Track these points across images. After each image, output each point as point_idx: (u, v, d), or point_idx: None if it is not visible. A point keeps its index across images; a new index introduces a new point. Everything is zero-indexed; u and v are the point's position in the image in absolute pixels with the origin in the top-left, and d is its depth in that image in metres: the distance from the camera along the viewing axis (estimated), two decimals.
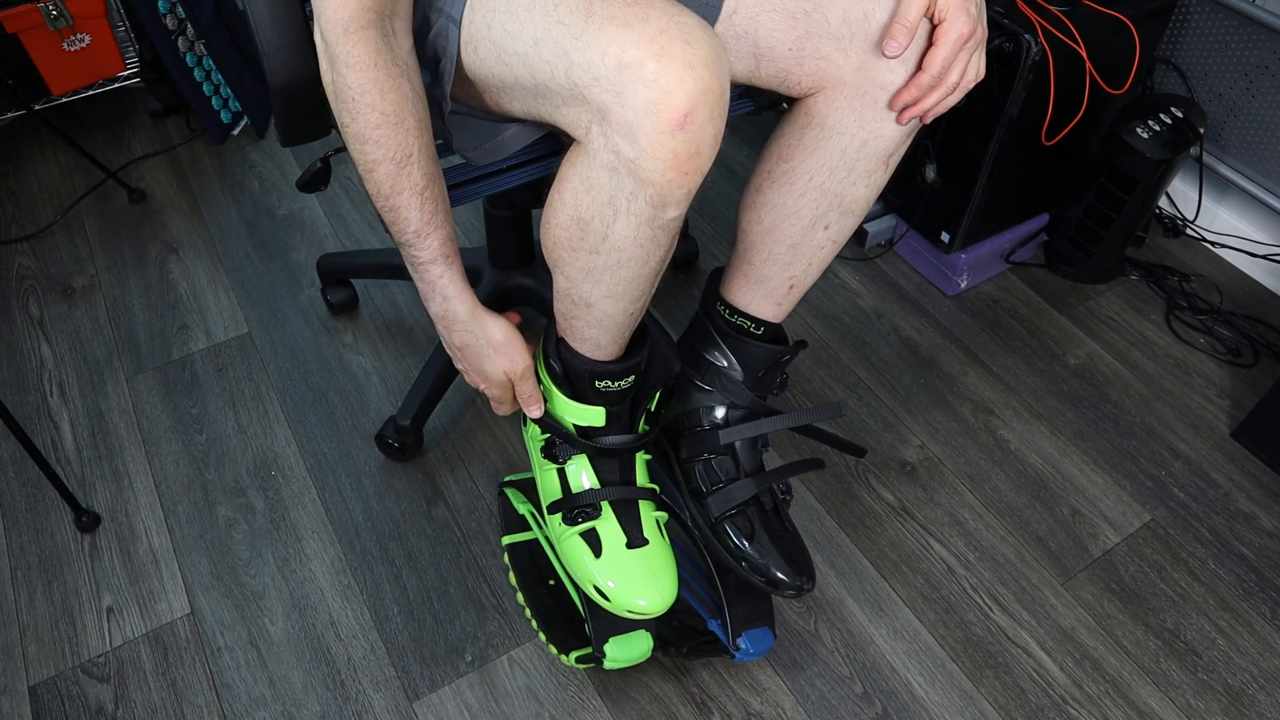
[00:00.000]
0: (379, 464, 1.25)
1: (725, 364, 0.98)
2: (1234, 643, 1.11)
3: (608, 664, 0.99)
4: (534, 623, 1.06)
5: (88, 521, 1.18)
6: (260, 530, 1.18)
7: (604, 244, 0.74)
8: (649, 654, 1.00)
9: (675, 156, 0.65)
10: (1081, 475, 1.27)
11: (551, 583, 1.08)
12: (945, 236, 1.46)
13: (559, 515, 0.95)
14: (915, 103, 0.80)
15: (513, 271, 1.30)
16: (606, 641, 0.98)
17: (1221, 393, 1.38)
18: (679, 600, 1.08)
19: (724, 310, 0.98)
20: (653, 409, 0.96)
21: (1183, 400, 1.37)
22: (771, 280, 0.94)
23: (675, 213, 0.71)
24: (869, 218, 1.57)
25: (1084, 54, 1.25)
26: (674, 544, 1.10)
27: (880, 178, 0.88)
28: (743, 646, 1.00)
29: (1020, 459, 1.29)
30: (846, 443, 1.09)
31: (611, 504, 0.94)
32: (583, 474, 0.94)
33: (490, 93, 0.79)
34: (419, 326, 1.42)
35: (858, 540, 1.19)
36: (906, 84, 0.80)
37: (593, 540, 0.93)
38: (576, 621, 1.05)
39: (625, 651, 0.98)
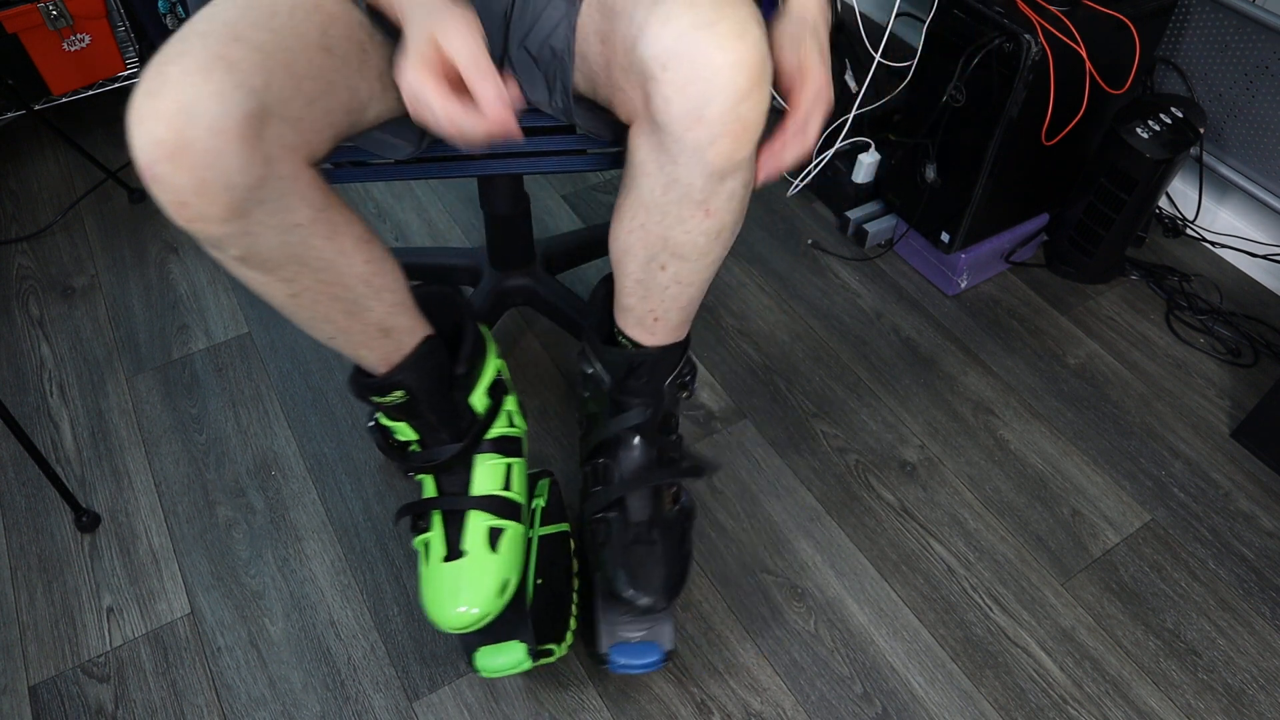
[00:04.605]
0: (379, 464, 1.25)
1: (591, 370, 0.96)
2: (1234, 643, 1.11)
3: (479, 673, 0.99)
4: None
5: (88, 521, 1.18)
6: (260, 530, 1.18)
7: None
8: (523, 664, 0.97)
9: None
10: (1081, 475, 1.27)
11: (539, 581, 1.07)
12: (945, 236, 1.46)
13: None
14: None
15: (512, 271, 1.30)
16: (475, 650, 0.97)
17: (1221, 393, 1.38)
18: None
19: (612, 327, 0.95)
20: (481, 412, 0.95)
21: (1183, 400, 1.37)
22: (636, 310, 0.90)
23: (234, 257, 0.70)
24: (869, 218, 1.57)
25: (1084, 54, 1.25)
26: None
27: (701, 223, 0.77)
28: (611, 657, 0.99)
29: (1020, 459, 1.29)
30: (695, 466, 1.05)
31: (442, 515, 0.94)
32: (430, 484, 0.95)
33: None
34: None
35: (858, 540, 1.19)
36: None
37: (425, 552, 0.94)
38: (543, 620, 1.04)
39: (492, 661, 0.97)
